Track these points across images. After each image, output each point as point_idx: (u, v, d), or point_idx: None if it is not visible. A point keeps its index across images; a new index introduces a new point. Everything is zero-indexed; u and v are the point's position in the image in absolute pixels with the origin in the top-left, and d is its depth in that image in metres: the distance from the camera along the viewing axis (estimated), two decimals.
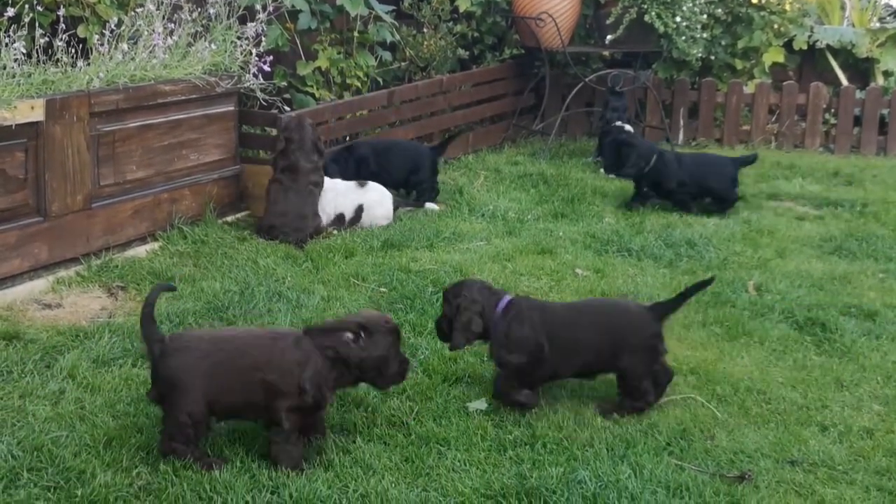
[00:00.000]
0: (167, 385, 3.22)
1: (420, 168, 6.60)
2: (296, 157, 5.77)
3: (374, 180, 6.20)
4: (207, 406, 3.20)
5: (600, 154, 8.01)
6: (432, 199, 6.61)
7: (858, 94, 9.02)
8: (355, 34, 7.02)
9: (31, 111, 4.62)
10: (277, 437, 3.21)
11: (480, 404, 3.69)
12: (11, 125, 4.50)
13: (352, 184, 6.10)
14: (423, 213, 6.38)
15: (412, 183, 6.61)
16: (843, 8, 10.26)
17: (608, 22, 8.44)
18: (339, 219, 6.03)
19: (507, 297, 3.73)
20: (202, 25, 5.81)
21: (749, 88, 9.17)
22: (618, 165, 6.74)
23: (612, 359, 3.69)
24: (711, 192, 6.72)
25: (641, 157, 6.62)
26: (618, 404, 3.71)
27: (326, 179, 5.99)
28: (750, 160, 6.95)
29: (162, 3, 5.52)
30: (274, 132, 6.15)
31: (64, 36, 4.96)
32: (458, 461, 3.29)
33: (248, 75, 5.85)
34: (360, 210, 6.06)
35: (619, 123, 7.99)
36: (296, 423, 3.22)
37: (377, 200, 6.11)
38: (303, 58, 6.77)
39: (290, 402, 3.20)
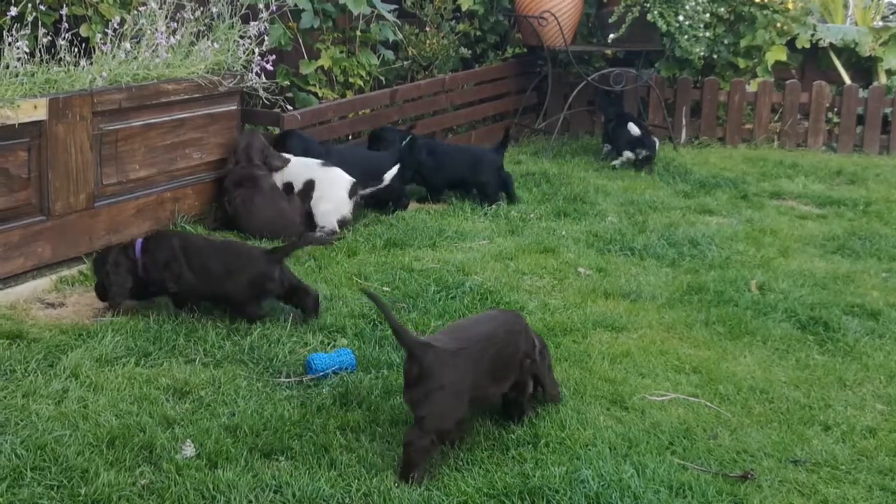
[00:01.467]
0: (444, 392, 3.18)
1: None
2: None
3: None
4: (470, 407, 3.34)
5: (607, 140, 8.21)
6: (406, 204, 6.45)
7: (861, 93, 9.02)
8: (358, 33, 7.02)
9: (35, 110, 4.62)
10: (523, 395, 3.53)
11: None
12: (15, 124, 4.51)
13: (316, 161, 5.89)
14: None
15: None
16: (846, 6, 10.26)
17: (611, 21, 8.43)
18: (287, 188, 5.84)
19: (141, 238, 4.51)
20: (205, 24, 5.81)
21: (752, 87, 9.16)
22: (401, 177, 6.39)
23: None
24: (459, 182, 6.73)
25: (391, 158, 6.33)
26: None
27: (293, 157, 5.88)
28: (501, 150, 6.79)
29: (165, 2, 5.52)
30: (277, 131, 6.15)
31: (67, 35, 4.96)
32: (461, 460, 3.29)
33: (250, 74, 5.85)
34: (310, 185, 5.80)
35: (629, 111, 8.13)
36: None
37: (329, 183, 5.81)
38: (305, 57, 6.77)
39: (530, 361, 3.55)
